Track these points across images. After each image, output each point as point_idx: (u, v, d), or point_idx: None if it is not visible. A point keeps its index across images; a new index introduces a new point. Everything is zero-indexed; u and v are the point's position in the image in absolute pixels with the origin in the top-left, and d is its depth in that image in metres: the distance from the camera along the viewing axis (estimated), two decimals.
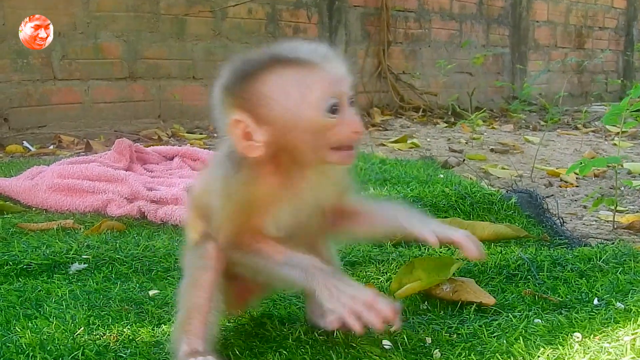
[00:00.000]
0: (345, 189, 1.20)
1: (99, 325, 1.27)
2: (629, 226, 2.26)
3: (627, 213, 2.49)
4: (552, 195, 2.52)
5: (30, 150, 4.02)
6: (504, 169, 3.54)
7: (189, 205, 1.25)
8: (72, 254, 1.70)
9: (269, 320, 1.29)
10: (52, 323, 1.27)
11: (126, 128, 4.63)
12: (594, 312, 1.32)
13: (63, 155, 3.62)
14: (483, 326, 1.27)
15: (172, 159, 3.00)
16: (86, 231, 2.00)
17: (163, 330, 1.25)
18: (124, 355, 1.14)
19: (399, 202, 1.21)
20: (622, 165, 3.46)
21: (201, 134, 4.70)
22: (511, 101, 7.07)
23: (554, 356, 1.13)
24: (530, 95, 6.80)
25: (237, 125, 1.06)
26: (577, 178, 3.24)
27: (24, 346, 1.15)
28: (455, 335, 1.24)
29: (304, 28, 5.67)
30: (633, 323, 1.23)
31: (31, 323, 1.28)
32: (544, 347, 1.16)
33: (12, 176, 2.69)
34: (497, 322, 1.29)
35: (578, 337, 1.20)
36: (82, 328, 1.24)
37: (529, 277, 1.54)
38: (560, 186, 3.15)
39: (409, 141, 4.41)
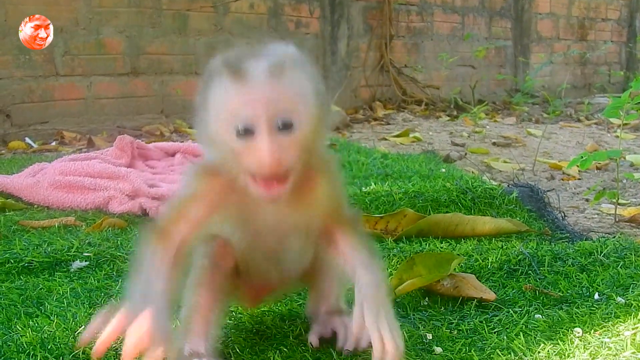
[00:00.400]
0: (333, 214, 1.10)
1: None
2: (631, 219, 2.25)
3: (629, 206, 2.48)
4: (554, 189, 2.52)
5: (33, 146, 4.02)
6: (506, 162, 3.54)
7: None
8: (74, 252, 1.70)
9: (269, 317, 1.29)
10: (53, 321, 1.27)
11: (129, 124, 4.63)
12: (594, 306, 1.32)
13: (65, 152, 3.62)
14: (484, 322, 1.27)
15: (173, 155, 3.00)
16: (87, 228, 2.00)
17: None
18: None
19: (376, 264, 1.10)
20: (624, 158, 3.46)
21: None
22: (514, 94, 7.05)
23: (554, 351, 1.13)
24: (533, 88, 6.78)
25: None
26: (579, 171, 3.24)
27: (24, 345, 1.15)
28: (455, 331, 1.24)
29: (306, 22, 5.66)
30: (634, 318, 1.23)
31: (32, 321, 1.28)
32: (544, 343, 1.16)
33: (14, 173, 2.69)
34: (497, 317, 1.29)
35: (578, 332, 1.20)
36: (83, 326, 1.24)
37: (530, 272, 1.54)
38: (562, 179, 3.14)
39: (411, 135, 4.41)
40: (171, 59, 4.90)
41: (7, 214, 2.20)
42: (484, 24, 7.18)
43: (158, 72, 4.85)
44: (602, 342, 1.15)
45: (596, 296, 1.38)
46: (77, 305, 1.37)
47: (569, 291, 1.42)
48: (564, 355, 1.12)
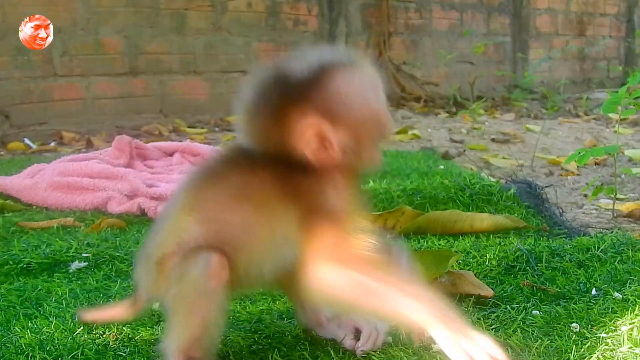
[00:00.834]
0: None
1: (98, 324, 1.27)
2: (629, 214, 2.26)
3: (627, 201, 2.48)
4: (551, 185, 2.52)
5: (32, 147, 4.03)
6: (505, 158, 3.54)
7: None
8: (72, 253, 1.70)
9: (267, 316, 1.29)
10: (52, 322, 1.27)
11: (128, 123, 4.64)
12: (591, 302, 1.32)
13: (64, 152, 3.62)
14: (482, 318, 1.27)
15: (172, 154, 3.00)
16: (86, 229, 2.01)
17: (163, 328, 1.25)
18: (124, 354, 1.14)
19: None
20: (623, 153, 3.46)
21: (202, 128, 4.71)
22: (512, 90, 7.05)
23: (551, 347, 1.13)
24: (532, 84, 6.78)
25: (309, 130, 1.00)
26: (578, 166, 3.24)
27: (23, 346, 1.16)
28: None
29: (304, 20, 5.66)
30: (631, 313, 1.23)
31: (31, 323, 1.28)
32: (542, 339, 1.16)
33: (13, 174, 2.69)
34: (495, 314, 1.29)
35: (576, 328, 1.20)
36: (82, 327, 1.24)
37: (528, 268, 1.54)
38: (561, 175, 3.15)
39: (409, 132, 4.41)
40: (170, 59, 4.91)
41: (6, 215, 2.20)
42: (482, 20, 7.18)
43: (157, 71, 4.85)
44: (600, 337, 1.15)
45: (593, 292, 1.39)
46: (75, 306, 1.37)
47: (566, 287, 1.43)
48: (562, 351, 1.12)
